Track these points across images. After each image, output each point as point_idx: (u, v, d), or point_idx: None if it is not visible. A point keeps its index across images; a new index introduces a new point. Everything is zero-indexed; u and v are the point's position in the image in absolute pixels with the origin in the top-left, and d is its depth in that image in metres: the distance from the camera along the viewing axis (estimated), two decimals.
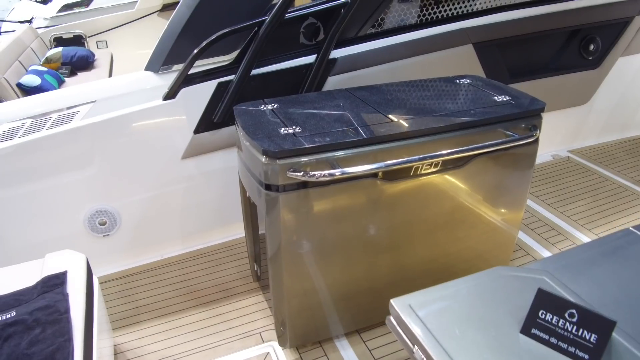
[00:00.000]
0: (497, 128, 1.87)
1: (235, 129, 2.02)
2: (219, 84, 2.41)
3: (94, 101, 2.55)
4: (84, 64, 4.69)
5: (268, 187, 1.64)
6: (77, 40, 5.46)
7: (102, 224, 2.48)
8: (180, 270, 2.56)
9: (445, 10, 2.81)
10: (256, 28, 2.36)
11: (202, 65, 2.46)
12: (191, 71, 2.35)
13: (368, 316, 2.12)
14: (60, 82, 4.16)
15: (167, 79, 2.54)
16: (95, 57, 5.03)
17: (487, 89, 2.15)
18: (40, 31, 5.55)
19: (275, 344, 2.10)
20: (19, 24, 6.48)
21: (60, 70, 4.38)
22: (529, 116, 1.92)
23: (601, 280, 1.21)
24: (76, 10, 6.19)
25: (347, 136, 1.67)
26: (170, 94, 2.37)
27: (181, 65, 2.47)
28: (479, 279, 1.16)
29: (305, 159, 1.61)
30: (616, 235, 1.41)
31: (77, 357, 1.44)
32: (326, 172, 1.58)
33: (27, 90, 3.79)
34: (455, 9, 2.83)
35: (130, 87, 2.59)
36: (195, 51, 2.27)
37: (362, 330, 2.16)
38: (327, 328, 2.06)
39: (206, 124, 2.45)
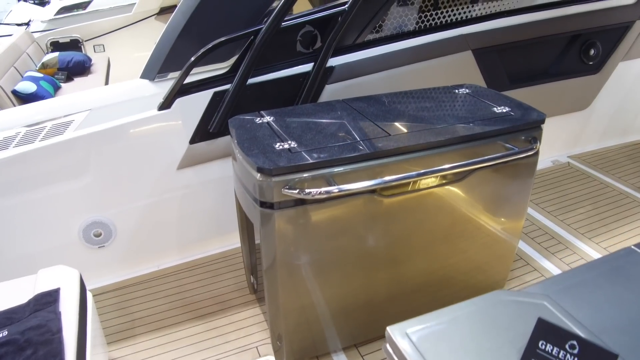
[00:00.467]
0: (496, 141, 1.84)
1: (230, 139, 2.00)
2: (215, 94, 2.38)
3: (89, 110, 2.53)
4: (81, 69, 4.65)
5: (263, 204, 1.61)
6: (74, 44, 5.43)
7: (97, 235, 2.45)
8: (176, 281, 2.53)
9: (444, 17, 2.78)
10: (252, 37, 2.33)
11: (197, 72, 2.43)
12: (186, 80, 2.32)
13: (366, 330, 2.09)
14: (57, 88, 4.12)
15: (163, 87, 2.51)
16: (92, 62, 4.99)
17: (486, 99, 2.12)
18: (36, 35, 5.52)
19: (272, 358, 2.07)
20: (16, 26, 6.46)
21: (56, 76, 4.35)
22: (528, 128, 1.90)
23: (603, 304, 1.19)
24: (74, 12, 6.16)
25: (344, 152, 1.64)
26: (166, 104, 2.34)
27: (177, 73, 2.45)
28: (477, 304, 1.13)
29: (300, 176, 1.58)
30: (618, 254, 1.38)
31: None
32: (322, 189, 1.55)
33: (22, 97, 3.76)
34: (454, 14, 2.80)
35: (126, 96, 2.56)
36: (191, 60, 2.24)
37: (360, 344, 2.13)
38: (324, 342, 2.04)
39: (202, 134, 2.42)
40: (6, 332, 1.60)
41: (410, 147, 1.70)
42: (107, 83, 4.62)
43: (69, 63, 4.55)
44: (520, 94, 3.12)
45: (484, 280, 2.25)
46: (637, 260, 1.33)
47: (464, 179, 1.87)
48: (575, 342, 0.99)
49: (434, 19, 2.76)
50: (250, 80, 2.41)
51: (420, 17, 2.72)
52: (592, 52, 3.25)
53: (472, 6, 2.83)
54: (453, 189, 1.88)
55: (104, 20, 5.81)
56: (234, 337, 2.19)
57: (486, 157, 1.78)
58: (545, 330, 1.01)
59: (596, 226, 2.85)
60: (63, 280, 1.83)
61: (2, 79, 4.08)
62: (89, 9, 6.25)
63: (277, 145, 1.68)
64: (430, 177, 1.75)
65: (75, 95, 2.61)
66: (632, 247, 1.42)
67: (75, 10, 6.27)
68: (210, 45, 2.24)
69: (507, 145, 1.86)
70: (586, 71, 3.31)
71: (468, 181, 1.89)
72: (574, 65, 3.26)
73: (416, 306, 2.13)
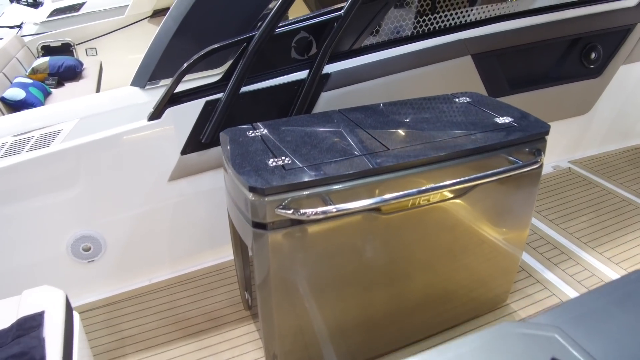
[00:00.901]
0: (500, 154, 1.77)
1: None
2: (207, 103, 2.30)
3: (78, 119, 2.45)
4: (72, 74, 4.56)
5: (255, 224, 1.53)
6: (65, 48, 5.34)
7: (86, 249, 2.37)
8: (168, 296, 2.45)
9: (442, 21, 2.71)
10: (245, 43, 2.26)
11: (189, 80, 2.35)
12: (177, 89, 2.24)
13: (365, 350, 2.02)
14: (47, 95, 4.03)
15: (154, 95, 2.43)
16: (84, 67, 4.90)
17: (488, 109, 2.04)
18: (27, 39, 5.43)
19: None
20: (8, 29, 6.36)
21: (46, 82, 4.26)
22: (532, 140, 1.82)
23: (617, 335, 1.12)
24: (67, 15, 6.07)
25: (341, 169, 1.56)
26: (156, 114, 2.26)
27: (168, 80, 2.37)
28: (484, 338, 1.06)
29: (295, 195, 1.50)
30: (630, 278, 1.32)
31: None
32: (318, 209, 1.47)
33: (11, 105, 3.67)
34: (453, 19, 2.73)
35: (116, 104, 2.48)
36: (182, 69, 2.16)
37: None
38: None
39: (194, 144, 2.34)
40: None
41: (411, 163, 1.63)
42: (98, 88, 4.54)
43: (60, 68, 4.46)
44: (521, 99, 3.05)
45: (486, 294, 2.18)
46: None
47: (466, 193, 1.80)
48: None
49: (432, 24, 2.69)
50: (244, 89, 2.34)
51: (418, 22, 2.65)
52: (593, 55, 3.19)
53: (472, 10, 2.76)
54: (455, 204, 1.80)
55: (96, 24, 5.72)
56: (228, 355, 2.12)
57: (490, 172, 1.70)
58: None
59: (599, 235, 2.79)
60: (48, 302, 1.75)
61: None
62: (82, 10, 6.15)
63: (270, 162, 1.60)
64: (432, 193, 1.68)
65: (63, 103, 2.53)
66: None
67: (68, 12, 6.17)
68: (201, 53, 2.16)
69: (511, 158, 1.78)
70: (587, 75, 3.25)
71: (470, 195, 1.81)
72: (574, 69, 3.19)
73: (417, 324, 2.06)
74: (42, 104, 3.82)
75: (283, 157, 1.63)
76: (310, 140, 1.76)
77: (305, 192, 1.51)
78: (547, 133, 1.85)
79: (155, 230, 2.47)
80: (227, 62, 2.39)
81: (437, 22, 2.70)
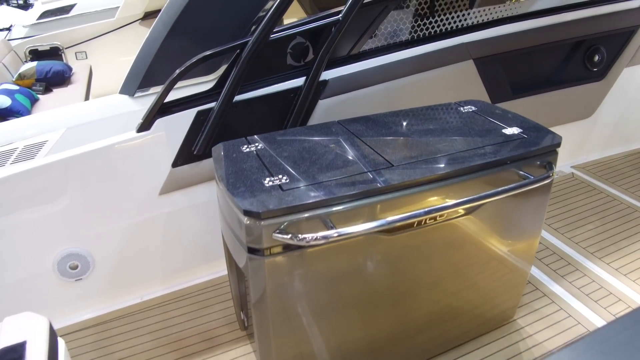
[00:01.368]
0: (510, 168, 1.67)
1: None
2: (199, 113, 2.20)
3: (64, 129, 2.34)
4: (60, 79, 4.43)
5: (251, 250, 1.43)
6: (54, 52, 5.21)
7: (74, 267, 2.25)
8: (161, 315, 2.35)
9: (444, 24, 2.61)
10: (239, 50, 2.15)
11: (180, 87, 2.25)
12: (167, 98, 2.13)
13: None
14: (34, 101, 3.91)
15: (144, 103, 2.33)
16: (73, 72, 4.77)
17: (495, 119, 1.95)
18: (15, 43, 5.29)
19: None
20: None
21: (34, 88, 4.13)
22: (543, 153, 1.73)
23: None
24: (57, 16, 5.94)
25: (343, 188, 1.45)
26: (145, 125, 2.15)
27: (159, 87, 2.26)
28: None
29: (293, 218, 1.40)
30: None
31: None
32: (319, 234, 1.36)
33: None
34: (455, 22, 2.63)
35: (104, 113, 2.38)
36: (172, 77, 2.05)
37: None
38: None
39: (185, 156, 2.23)
40: None
41: (418, 181, 1.52)
42: (88, 93, 4.41)
43: (48, 73, 4.33)
44: (523, 104, 2.97)
45: (493, 310, 2.09)
46: None
47: (474, 210, 1.70)
48: None
49: (433, 27, 2.59)
50: (237, 97, 2.23)
51: (418, 25, 2.55)
52: (596, 58, 3.11)
53: (473, 13, 2.67)
54: (463, 221, 1.70)
55: (86, 26, 5.59)
56: None
57: (500, 189, 1.61)
58: None
59: (606, 244, 2.70)
60: (30, 330, 1.64)
61: None
62: (72, 12, 6.02)
63: (266, 181, 1.49)
64: (440, 212, 1.58)
65: (49, 112, 2.42)
66: None
67: (59, 14, 6.04)
68: (193, 60, 2.05)
69: (522, 172, 1.69)
70: (590, 78, 3.17)
71: (479, 212, 1.72)
72: (577, 72, 3.11)
73: (421, 345, 1.96)
74: (28, 111, 3.70)
75: (280, 176, 1.52)
76: (309, 156, 1.65)
77: (305, 215, 1.41)
78: (558, 145, 1.75)
79: (146, 245, 2.36)
80: (219, 67, 2.29)
81: (438, 26, 2.60)
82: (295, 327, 1.62)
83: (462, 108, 2.07)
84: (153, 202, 2.28)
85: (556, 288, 2.41)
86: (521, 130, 1.83)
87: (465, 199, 1.56)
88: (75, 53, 5.53)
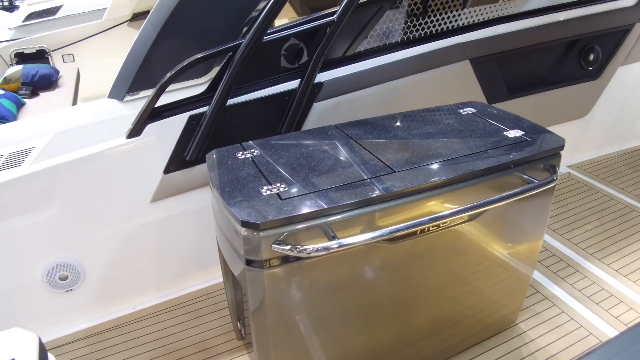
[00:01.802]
0: (514, 172, 1.63)
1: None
2: (191, 118, 2.13)
3: (52, 135, 2.26)
4: (47, 83, 4.33)
5: (249, 262, 1.37)
6: (40, 55, 5.09)
7: (63, 278, 2.18)
8: (155, 325, 2.28)
9: (439, 24, 2.57)
10: (231, 52, 2.09)
11: (171, 91, 2.18)
12: (158, 102, 2.07)
13: None
14: (20, 106, 3.81)
15: (133, 108, 2.26)
16: (60, 75, 4.67)
17: (495, 121, 1.91)
18: (0, 46, 5.17)
19: None
20: None
21: (19, 92, 4.02)
22: (547, 156, 1.69)
23: None
24: (43, 18, 5.82)
25: (344, 196, 1.40)
26: (135, 131, 2.08)
27: (149, 91, 2.19)
28: None
29: (293, 228, 1.34)
30: None
31: None
32: (320, 245, 1.31)
33: None
34: (451, 22, 2.59)
35: (92, 118, 2.30)
36: (162, 82, 1.99)
37: None
38: None
39: (177, 162, 2.17)
40: None
41: (420, 187, 1.47)
42: (75, 97, 4.32)
43: (34, 77, 4.22)
44: (520, 104, 2.94)
45: (495, 315, 2.05)
46: None
47: (478, 216, 1.66)
48: None
49: (429, 27, 2.55)
50: (230, 101, 2.17)
51: (414, 26, 2.51)
52: (591, 57, 3.09)
53: (469, 12, 2.63)
54: (466, 227, 1.66)
55: (73, 28, 5.48)
56: None
57: (505, 195, 1.56)
58: None
59: (605, 245, 2.68)
60: (19, 347, 1.57)
61: None
62: (59, 14, 5.90)
63: (263, 190, 1.44)
64: (443, 220, 1.53)
65: (36, 118, 2.34)
66: None
67: (45, 15, 5.92)
68: (184, 64, 1.99)
69: (525, 177, 1.65)
70: (585, 77, 3.15)
71: (482, 218, 1.68)
72: (573, 71, 3.09)
73: (424, 353, 1.92)
74: (14, 116, 3.60)
75: (278, 184, 1.47)
76: (307, 162, 1.60)
77: (305, 225, 1.35)
78: (562, 148, 1.72)
79: (138, 254, 2.30)
80: (211, 70, 2.23)
81: (434, 26, 2.56)
82: (296, 338, 1.57)
83: (461, 110, 2.02)
84: (145, 209, 2.22)
85: (557, 290, 2.38)
86: (523, 133, 1.79)
87: (469, 205, 1.51)
88: (62, 56, 5.42)
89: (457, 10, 2.58)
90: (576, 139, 3.45)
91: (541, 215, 1.85)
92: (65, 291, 2.22)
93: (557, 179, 1.70)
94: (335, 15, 2.19)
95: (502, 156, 1.62)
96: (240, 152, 1.70)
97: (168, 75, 1.98)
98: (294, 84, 2.28)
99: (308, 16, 2.28)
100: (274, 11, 2.02)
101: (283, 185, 1.46)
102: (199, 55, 2.01)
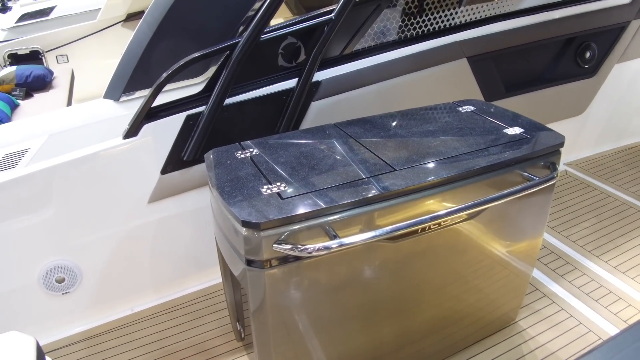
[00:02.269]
0: (514, 170, 1.63)
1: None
2: (188, 117, 2.12)
3: (47, 136, 2.24)
4: (41, 84, 4.30)
5: (249, 262, 1.36)
6: (34, 56, 5.06)
7: (60, 281, 2.16)
8: (153, 326, 2.26)
9: (437, 22, 2.56)
10: (228, 52, 2.08)
11: (167, 90, 2.16)
12: (154, 102, 2.05)
13: None
14: (14, 107, 3.78)
15: (130, 108, 2.24)
16: (54, 76, 4.63)
17: (495, 118, 1.90)
18: None
19: None
20: None
21: (13, 93, 3.99)
22: (547, 153, 1.69)
23: None
24: (36, 19, 5.78)
25: (345, 195, 1.39)
26: (132, 132, 2.07)
27: (145, 91, 2.17)
28: None
29: (294, 228, 1.33)
30: None
31: None
32: (321, 245, 1.30)
33: None
34: (448, 20, 2.59)
35: (88, 119, 2.28)
36: (159, 82, 1.97)
37: None
38: None
39: (174, 162, 2.15)
40: None
41: (421, 186, 1.46)
42: (70, 98, 4.29)
43: (28, 78, 4.19)
44: (517, 102, 2.94)
45: (495, 313, 2.05)
46: None
47: (479, 214, 1.65)
48: None
49: (426, 25, 2.54)
50: (228, 101, 2.16)
51: (412, 24, 2.50)
52: (587, 54, 3.09)
53: (466, 10, 2.62)
54: (467, 225, 1.65)
55: (67, 29, 5.44)
56: None
57: (506, 192, 1.56)
58: None
59: (603, 242, 2.68)
60: (16, 350, 1.55)
61: None
62: (52, 15, 5.86)
63: (263, 189, 1.42)
64: (444, 218, 1.52)
65: (31, 119, 2.32)
66: None
67: (38, 17, 5.88)
68: (180, 63, 1.98)
69: (526, 174, 1.64)
70: (582, 75, 3.15)
71: (483, 215, 1.67)
72: (569, 69, 3.09)
73: (424, 351, 1.91)
74: (9, 118, 3.57)
75: (278, 183, 1.45)
76: (306, 161, 1.59)
77: (306, 224, 1.34)
78: (561, 145, 1.71)
79: (135, 255, 2.28)
80: (208, 69, 2.21)
81: (431, 24, 2.55)
82: (297, 338, 1.56)
83: (460, 108, 2.02)
84: (142, 210, 2.20)
85: (556, 288, 2.38)
86: (523, 130, 1.78)
87: (470, 203, 1.51)
88: (56, 56, 5.38)
89: (454, 9, 2.58)
90: (573, 136, 3.45)
91: (541, 212, 1.85)
92: (62, 294, 2.20)
93: (557, 176, 1.69)
94: (332, 14, 2.18)
95: (502, 154, 1.62)
96: (239, 152, 1.68)
97: (164, 75, 1.96)
98: (291, 83, 2.27)
99: (305, 15, 2.27)
100: (272, 9, 2.01)
101: (283, 185, 1.44)
102: (196, 55, 2.00)
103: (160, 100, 2.10)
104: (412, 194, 1.47)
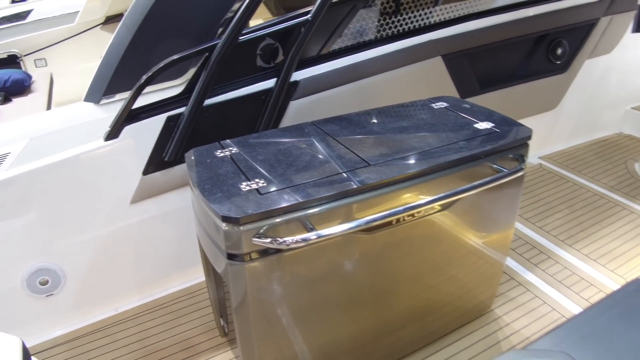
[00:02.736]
0: (484, 162, 1.70)
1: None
2: (169, 118, 2.15)
3: (27, 140, 2.25)
4: (20, 88, 4.26)
5: (231, 256, 1.41)
6: (12, 60, 5.01)
7: (44, 283, 2.17)
8: (137, 326, 2.29)
9: (412, 22, 2.63)
10: (207, 53, 2.12)
11: (147, 93, 2.19)
12: (135, 104, 2.08)
13: None
14: None
15: (110, 111, 2.26)
16: (33, 80, 4.60)
17: (466, 114, 1.97)
18: None
19: None
20: None
21: None
22: (515, 146, 1.76)
23: (626, 355, 1.06)
24: (13, 23, 5.71)
25: (321, 190, 1.44)
26: (113, 133, 2.09)
27: (125, 93, 2.20)
28: None
29: (273, 222, 1.38)
30: (627, 290, 1.27)
31: None
32: (299, 237, 1.35)
33: None
34: (423, 19, 2.65)
35: (69, 122, 2.29)
36: (139, 83, 2.00)
37: None
38: None
39: (156, 163, 2.18)
40: None
41: (395, 179, 1.53)
42: (50, 102, 4.26)
43: (6, 82, 4.16)
44: (491, 98, 3.02)
45: (471, 301, 2.12)
46: None
47: (450, 205, 1.72)
48: None
49: (401, 25, 2.61)
50: (208, 101, 2.20)
51: (387, 24, 2.57)
52: (559, 51, 3.19)
53: (440, 10, 2.69)
54: (440, 216, 1.72)
55: (44, 32, 5.40)
56: None
57: (475, 184, 1.63)
58: None
59: (575, 232, 2.78)
60: (2, 351, 1.57)
61: None
62: (29, 18, 5.80)
63: (243, 186, 1.47)
64: (417, 209, 1.58)
65: (10, 123, 2.32)
66: None
67: (15, 20, 5.81)
68: (160, 66, 2.01)
69: (495, 166, 1.72)
70: (554, 71, 3.25)
71: (455, 207, 1.74)
72: (541, 65, 3.19)
73: (402, 340, 1.97)
74: None
75: (257, 180, 1.50)
76: (285, 158, 1.64)
77: (284, 218, 1.39)
78: (529, 138, 1.79)
79: (118, 256, 2.30)
80: (188, 71, 2.25)
81: (407, 23, 2.62)
82: (278, 330, 1.60)
83: (433, 104, 2.08)
84: (124, 211, 2.22)
85: (530, 277, 2.46)
86: (493, 125, 1.86)
87: (442, 194, 1.57)
88: (35, 60, 5.34)
89: (428, 8, 2.65)
90: (546, 130, 3.56)
91: (512, 204, 1.92)
92: (46, 296, 2.21)
93: (525, 167, 1.77)
94: (309, 15, 2.23)
95: (473, 147, 1.69)
96: (219, 151, 1.73)
97: (144, 77, 1.99)
98: (270, 83, 2.31)
99: (283, 16, 2.32)
100: (249, 11, 2.05)
101: (262, 181, 1.49)
102: (175, 57, 2.03)
103: (141, 102, 2.13)
104: (386, 187, 1.53)
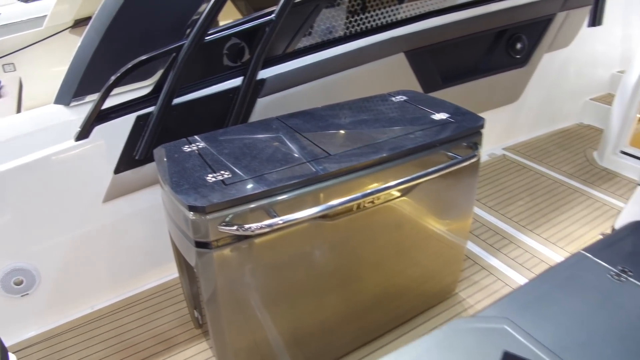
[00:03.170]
0: (439, 150, 1.80)
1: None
2: (138, 118, 2.20)
3: None
4: None
5: (198, 244, 1.47)
6: None
7: (18, 283, 2.20)
8: (113, 322, 2.33)
9: (375, 20, 2.72)
10: (174, 53, 2.17)
11: (117, 94, 2.23)
12: (105, 105, 2.12)
13: (321, 355, 2.00)
14: None
15: (80, 112, 2.29)
16: (1, 85, 4.57)
17: (424, 106, 2.08)
18: None
19: None
20: None
21: None
22: (469, 134, 1.87)
23: (562, 320, 1.16)
24: None
25: (283, 179, 1.52)
26: (83, 134, 2.13)
27: (95, 95, 2.24)
28: (437, 337, 1.07)
29: (238, 210, 1.45)
30: (570, 262, 1.37)
31: None
32: (263, 223, 1.43)
33: None
34: (385, 17, 2.75)
35: (39, 124, 2.32)
36: (107, 84, 2.04)
37: None
38: None
39: (127, 162, 2.23)
40: None
41: (353, 167, 1.62)
42: (19, 107, 4.24)
43: None
44: (454, 92, 3.13)
45: (436, 286, 2.22)
46: (589, 266, 1.33)
47: (409, 192, 1.81)
48: None
49: (364, 23, 2.70)
50: (176, 100, 2.25)
51: (350, 22, 2.65)
52: (518, 46, 3.32)
53: (403, 7, 2.79)
54: (399, 202, 1.82)
55: (12, 37, 5.35)
56: None
57: (430, 170, 1.73)
58: None
59: (536, 217, 2.91)
60: None
61: None
62: None
63: (209, 177, 1.54)
64: (376, 195, 1.68)
65: None
66: (582, 251, 1.41)
67: None
68: (128, 66, 2.05)
69: (450, 154, 1.82)
70: (514, 65, 3.38)
71: (414, 193, 1.84)
72: (502, 60, 3.32)
73: (370, 324, 2.06)
74: None
75: (222, 172, 1.57)
76: (249, 151, 1.71)
77: (249, 206, 1.47)
78: (482, 127, 1.90)
79: (93, 254, 2.34)
80: (156, 72, 2.29)
81: (370, 21, 2.71)
82: (248, 316, 1.68)
83: (394, 98, 2.18)
84: (97, 210, 2.26)
85: (493, 261, 2.58)
86: (448, 115, 1.96)
87: (398, 180, 1.67)
88: (3, 65, 5.28)
89: (390, 6, 2.74)
90: (509, 123, 3.70)
91: (469, 190, 2.03)
92: (21, 296, 2.23)
93: (479, 154, 1.88)
94: (273, 15, 2.30)
95: (429, 136, 1.79)
96: (187, 146, 1.79)
97: (113, 78, 2.03)
98: (237, 82, 2.38)
99: (248, 16, 2.38)
100: (214, 12, 2.11)
101: (227, 173, 1.56)
102: (143, 57, 2.08)
103: (112, 102, 2.17)
104: (346, 174, 1.61)
